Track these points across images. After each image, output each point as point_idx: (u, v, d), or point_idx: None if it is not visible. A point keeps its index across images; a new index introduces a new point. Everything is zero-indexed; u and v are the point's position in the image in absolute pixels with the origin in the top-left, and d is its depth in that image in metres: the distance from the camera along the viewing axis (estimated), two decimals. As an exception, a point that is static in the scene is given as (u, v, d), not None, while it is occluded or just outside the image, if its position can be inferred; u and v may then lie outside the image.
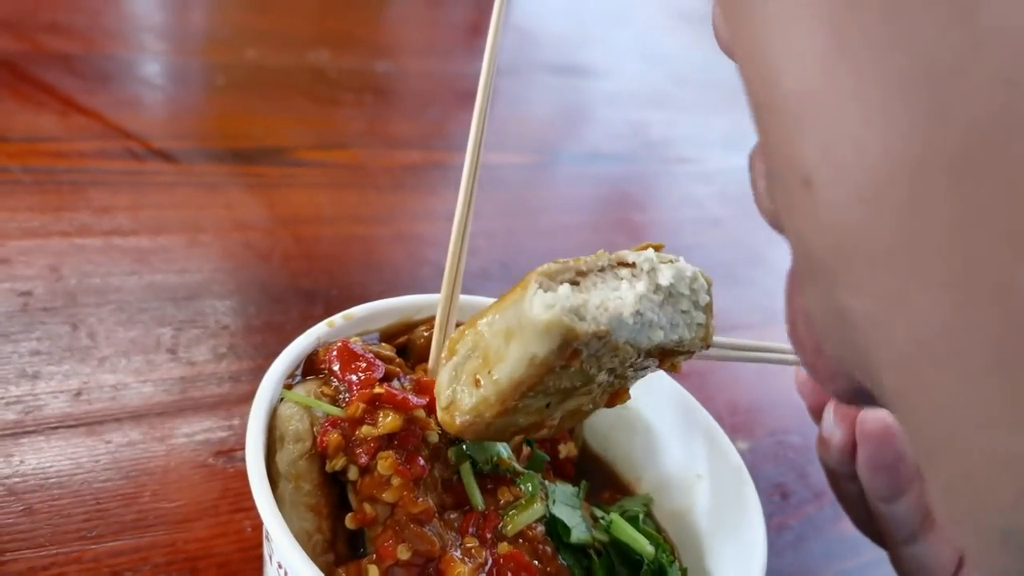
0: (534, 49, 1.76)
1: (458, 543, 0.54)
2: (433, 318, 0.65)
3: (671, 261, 0.49)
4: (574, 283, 0.46)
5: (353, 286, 0.93)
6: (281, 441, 0.52)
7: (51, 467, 0.64)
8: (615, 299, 0.45)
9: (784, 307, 0.34)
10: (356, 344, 0.58)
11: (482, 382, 0.47)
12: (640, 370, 0.51)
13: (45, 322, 0.75)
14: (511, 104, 1.52)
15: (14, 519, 0.59)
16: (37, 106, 1.02)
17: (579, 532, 0.57)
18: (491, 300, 0.66)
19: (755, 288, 1.17)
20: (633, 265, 0.48)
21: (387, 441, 0.53)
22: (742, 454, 0.87)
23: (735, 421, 0.90)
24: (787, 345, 0.62)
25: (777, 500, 0.83)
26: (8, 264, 0.80)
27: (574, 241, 1.16)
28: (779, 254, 1.29)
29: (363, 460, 0.52)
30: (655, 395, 0.64)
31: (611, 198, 1.35)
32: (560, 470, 0.64)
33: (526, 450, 0.61)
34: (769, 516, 0.83)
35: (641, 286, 0.46)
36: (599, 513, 0.60)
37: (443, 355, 0.51)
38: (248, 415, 0.52)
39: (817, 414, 0.61)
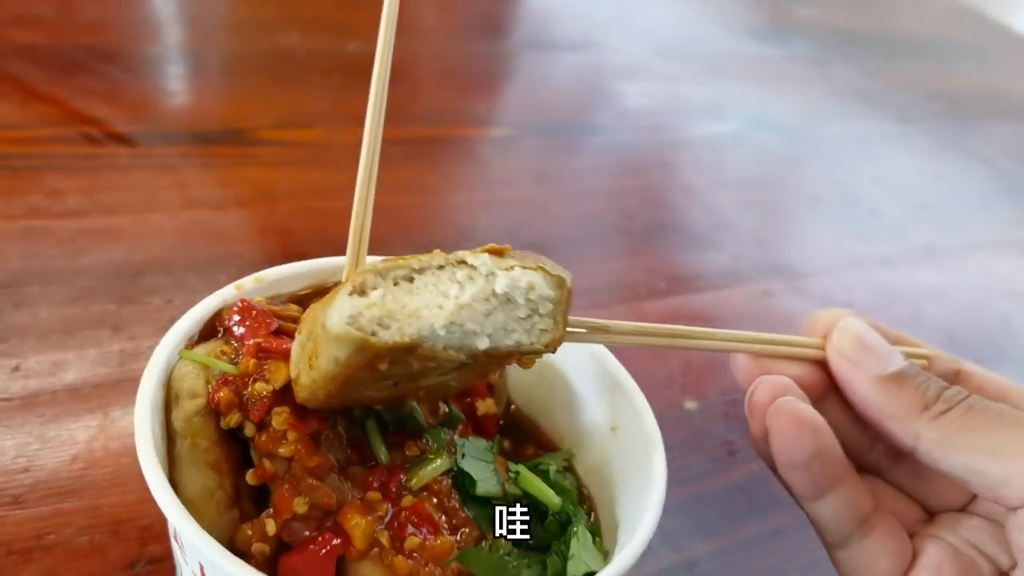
0: (517, 23, 1.76)
1: (360, 497, 0.54)
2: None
3: (509, 269, 0.48)
4: (409, 280, 0.47)
5: (306, 258, 0.94)
6: (176, 399, 0.53)
7: (-19, 438, 0.65)
8: (434, 307, 0.46)
9: None
10: (259, 304, 0.58)
11: (312, 365, 0.48)
12: (488, 364, 0.51)
13: (-12, 302, 0.77)
14: (488, 77, 1.52)
15: (-62, 487, 0.61)
16: (-2, 96, 1.04)
17: (487, 485, 0.58)
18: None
19: (723, 253, 1.16)
20: (473, 267, 0.48)
21: (282, 396, 0.53)
22: (691, 413, 0.87)
23: (687, 381, 0.90)
24: (729, 330, 0.58)
25: (723, 457, 0.82)
26: (-44, 247, 0.82)
27: (532, 210, 1.16)
28: (745, 220, 1.28)
29: (255, 416, 0.52)
30: (573, 350, 0.64)
31: (587, 168, 1.34)
32: (481, 427, 0.64)
33: (443, 408, 0.62)
34: (716, 472, 0.83)
35: (469, 293, 0.47)
36: (514, 468, 0.60)
37: (297, 329, 0.51)
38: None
39: None
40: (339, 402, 0.50)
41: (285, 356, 0.53)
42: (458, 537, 0.56)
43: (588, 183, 1.28)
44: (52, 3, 1.28)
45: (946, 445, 0.52)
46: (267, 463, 0.52)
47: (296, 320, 0.60)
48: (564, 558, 0.55)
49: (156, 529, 0.62)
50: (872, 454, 0.59)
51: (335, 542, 0.52)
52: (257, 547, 0.53)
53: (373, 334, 0.45)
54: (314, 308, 0.50)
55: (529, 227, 1.11)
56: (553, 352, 0.50)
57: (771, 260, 1.16)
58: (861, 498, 0.54)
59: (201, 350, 0.56)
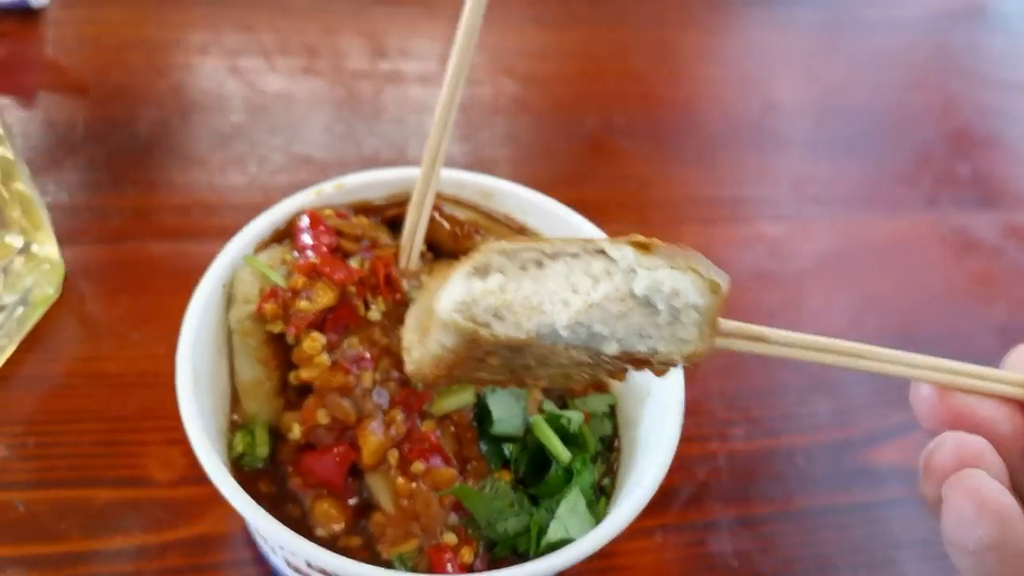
0: None
1: (382, 411, 0.58)
2: (438, 193, 0.66)
3: (653, 268, 0.41)
4: (539, 264, 0.42)
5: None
6: (233, 300, 0.59)
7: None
8: (559, 302, 0.41)
9: None
10: (327, 218, 0.61)
11: (423, 342, 0.44)
12: (616, 366, 0.44)
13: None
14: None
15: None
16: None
17: (505, 425, 0.60)
18: (476, 177, 0.67)
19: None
20: (612, 260, 0.42)
21: (322, 317, 0.57)
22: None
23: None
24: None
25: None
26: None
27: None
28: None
29: (294, 332, 0.57)
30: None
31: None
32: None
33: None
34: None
35: (601, 291, 0.41)
36: (535, 416, 0.61)
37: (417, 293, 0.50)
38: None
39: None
40: (448, 381, 0.46)
41: (334, 281, 0.57)
42: (467, 468, 0.60)
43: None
44: None
45: None
46: (302, 373, 0.58)
47: (359, 238, 0.63)
48: (552, 516, 0.57)
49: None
50: None
51: (348, 453, 0.58)
52: (293, 435, 0.60)
53: (486, 324, 0.41)
54: (434, 277, 0.45)
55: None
56: (695, 366, 0.44)
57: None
58: None
59: (266, 255, 0.60)
